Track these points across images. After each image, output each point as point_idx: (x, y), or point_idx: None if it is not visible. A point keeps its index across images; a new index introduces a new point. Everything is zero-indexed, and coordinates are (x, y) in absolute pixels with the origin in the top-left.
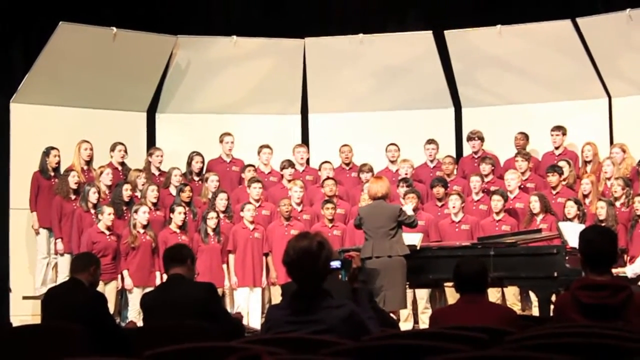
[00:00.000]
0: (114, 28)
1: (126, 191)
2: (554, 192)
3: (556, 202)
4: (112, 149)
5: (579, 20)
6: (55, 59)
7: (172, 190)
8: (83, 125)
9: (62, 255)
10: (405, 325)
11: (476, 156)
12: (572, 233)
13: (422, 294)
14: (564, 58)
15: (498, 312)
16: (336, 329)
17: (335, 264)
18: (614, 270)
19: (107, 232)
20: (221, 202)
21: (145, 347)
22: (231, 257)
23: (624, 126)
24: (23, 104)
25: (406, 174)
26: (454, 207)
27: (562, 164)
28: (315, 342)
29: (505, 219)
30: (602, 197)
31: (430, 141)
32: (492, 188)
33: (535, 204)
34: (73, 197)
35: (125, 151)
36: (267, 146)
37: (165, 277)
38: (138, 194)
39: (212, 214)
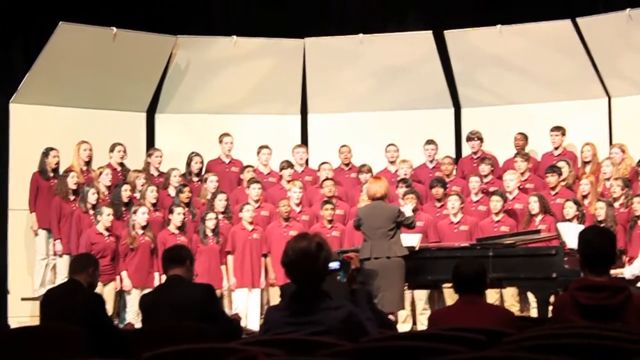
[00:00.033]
0: (114, 28)
1: (125, 192)
2: (553, 192)
3: (555, 202)
4: (112, 149)
5: (578, 20)
6: (55, 59)
7: (171, 191)
8: (82, 125)
9: (60, 256)
10: (404, 326)
11: (475, 157)
12: (571, 234)
13: (421, 295)
14: (563, 58)
15: (496, 313)
16: (335, 330)
17: (334, 265)
18: (612, 272)
19: (106, 233)
20: (220, 202)
21: (143, 348)
22: (230, 258)
23: (623, 126)
24: (22, 104)
25: (405, 174)
26: (453, 207)
27: (561, 164)
28: (313, 343)
29: (504, 220)
30: (601, 197)
31: (430, 141)
32: (491, 189)
33: (534, 205)
34: (72, 197)
35: (125, 152)
36: (267, 147)
37: (164, 278)
38: (137, 194)
39: (211, 215)
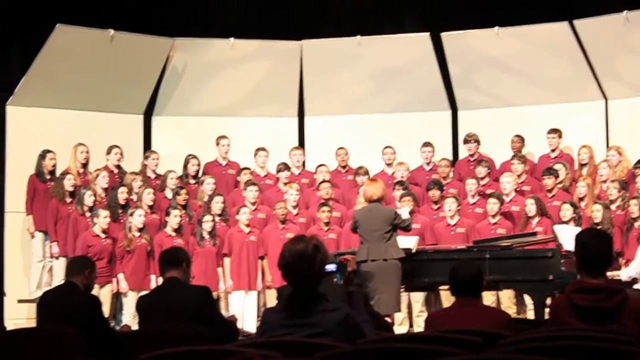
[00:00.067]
0: (111, 30)
1: (122, 194)
2: (549, 195)
3: (552, 205)
4: (108, 151)
5: (575, 22)
6: (52, 62)
7: (168, 194)
8: (79, 128)
9: (57, 258)
10: (401, 328)
11: (472, 159)
12: (567, 236)
13: (418, 298)
14: (560, 60)
15: (493, 316)
16: (331, 333)
17: (331, 267)
18: (608, 274)
19: (103, 236)
20: (217, 205)
21: (140, 351)
22: (226, 260)
23: (620, 128)
24: (19, 106)
25: (402, 177)
26: (449, 210)
27: (558, 166)
28: (310, 346)
29: (501, 222)
30: (597, 200)
31: (427, 144)
32: (488, 191)
33: (531, 207)
34: (69, 200)
35: (122, 154)
36: (263, 149)
37: (160, 280)
38: (134, 197)
39: (208, 217)
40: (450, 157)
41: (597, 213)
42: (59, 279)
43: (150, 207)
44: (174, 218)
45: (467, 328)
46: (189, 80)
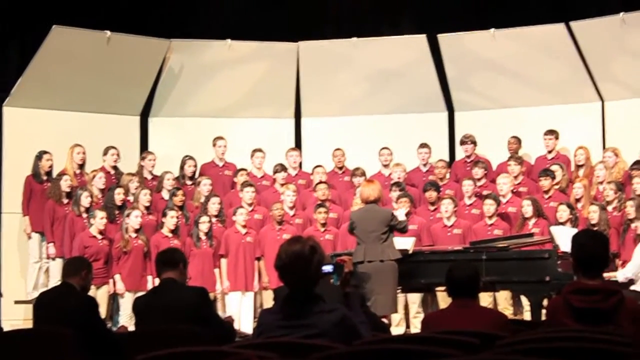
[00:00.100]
0: (108, 32)
1: (119, 195)
2: (546, 196)
3: (548, 206)
4: (105, 153)
5: (572, 23)
6: (48, 63)
7: (165, 195)
8: (76, 129)
9: (53, 259)
10: (397, 329)
11: (469, 160)
12: (564, 237)
13: (414, 299)
14: (557, 62)
15: (490, 317)
16: (328, 334)
17: (327, 268)
18: (604, 275)
19: (99, 237)
20: (213, 206)
21: (136, 352)
22: (223, 261)
23: (616, 130)
24: (16, 107)
25: (399, 178)
26: (446, 211)
27: (554, 168)
28: (307, 347)
29: (498, 223)
30: (594, 201)
31: (423, 145)
32: (485, 192)
33: (527, 208)
34: (65, 201)
35: (118, 155)
36: (260, 150)
37: (157, 281)
38: (130, 198)
39: (205, 218)
40: (447, 159)
41: (593, 214)
42: (55, 280)
43: (147, 208)
44: (171, 219)
45: (464, 329)
46: (186, 82)
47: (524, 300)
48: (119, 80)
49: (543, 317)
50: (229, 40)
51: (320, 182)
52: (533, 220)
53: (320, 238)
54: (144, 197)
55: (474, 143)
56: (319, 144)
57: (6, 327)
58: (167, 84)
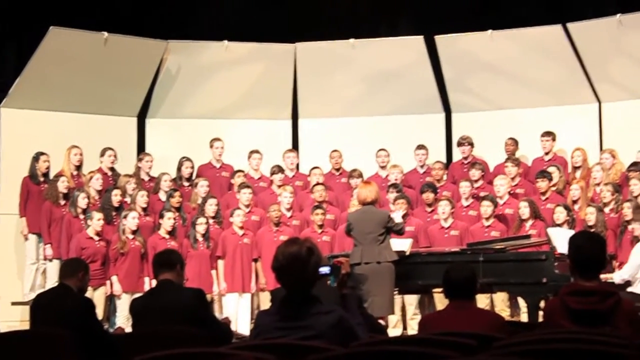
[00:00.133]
0: (105, 33)
1: (116, 197)
2: (543, 197)
3: (545, 207)
4: (102, 154)
5: (569, 25)
6: (45, 64)
7: (162, 196)
8: (73, 130)
9: (51, 260)
10: (394, 331)
11: (466, 162)
12: (561, 239)
13: (411, 300)
14: (554, 63)
15: (487, 318)
16: (325, 335)
17: (325, 269)
18: (601, 276)
19: (96, 238)
20: (211, 207)
21: (133, 353)
22: (220, 262)
23: (613, 131)
24: (13, 108)
25: (396, 179)
26: (443, 212)
27: (551, 169)
28: (304, 348)
29: (495, 225)
30: (591, 202)
31: (420, 147)
32: (482, 194)
33: (524, 210)
34: (62, 202)
35: (115, 156)
36: (257, 151)
37: (154, 282)
38: (128, 199)
39: (202, 220)
40: (444, 160)
41: (590, 216)
42: (52, 281)
43: (144, 209)
44: (168, 220)
45: (461, 331)
46: (183, 83)
47: (521, 302)
48: (116, 82)
49: (540, 319)
50: (226, 42)
51: (318, 184)
52: (530, 222)
53: (318, 239)
54: (141, 199)
55: (471, 144)
56: (316, 146)
57: (3, 329)
58: (165, 85)
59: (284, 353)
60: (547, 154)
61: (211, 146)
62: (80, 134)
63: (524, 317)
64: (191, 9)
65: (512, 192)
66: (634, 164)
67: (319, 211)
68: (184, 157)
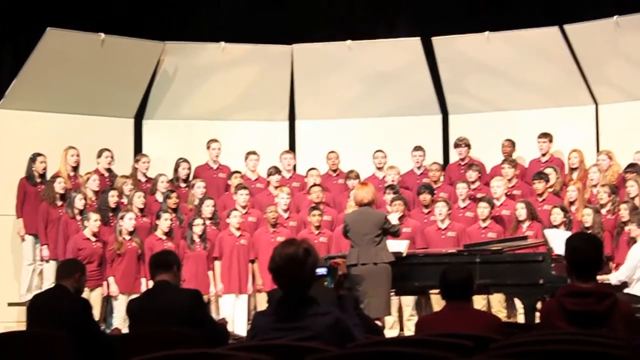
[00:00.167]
0: (102, 34)
1: (112, 197)
2: (540, 199)
3: (542, 209)
4: (99, 155)
5: (566, 27)
6: (42, 65)
7: (159, 197)
8: (70, 131)
9: (47, 261)
10: (391, 332)
11: (463, 163)
12: (558, 240)
13: (408, 301)
14: (551, 65)
15: (484, 319)
16: (322, 336)
17: (321, 270)
18: (598, 278)
19: (93, 239)
20: (207, 208)
21: (130, 354)
22: (217, 263)
23: (610, 133)
24: (10, 109)
25: (393, 180)
26: (440, 214)
27: (548, 171)
28: (300, 349)
29: (492, 226)
30: (588, 204)
31: (417, 148)
32: (479, 195)
33: (521, 211)
34: (59, 203)
35: (112, 157)
36: (254, 152)
37: (151, 283)
38: (124, 200)
39: (199, 221)
40: (441, 161)
41: (587, 217)
42: (49, 282)
43: (141, 210)
44: (165, 221)
45: (458, 332)
46: (180, 84)
47: (518, 303)
48: (113, 83)
49: (537, 320)
50: (223, 43)
51: (314, 185)
52: (527, 223)
53: (314, 240)
54: (138, 200)
55: (468, 146)
56: (313, 147)
57: None
58: (161, 87)
59: (280, 354)
60: (544, 155)
61: (208, 147)
62: (77, 135)
63: (520, 319)
64: (188, 11)
65: (509, 193)
66: (631, 165)
67: (316, 212)
68: (181, 158)
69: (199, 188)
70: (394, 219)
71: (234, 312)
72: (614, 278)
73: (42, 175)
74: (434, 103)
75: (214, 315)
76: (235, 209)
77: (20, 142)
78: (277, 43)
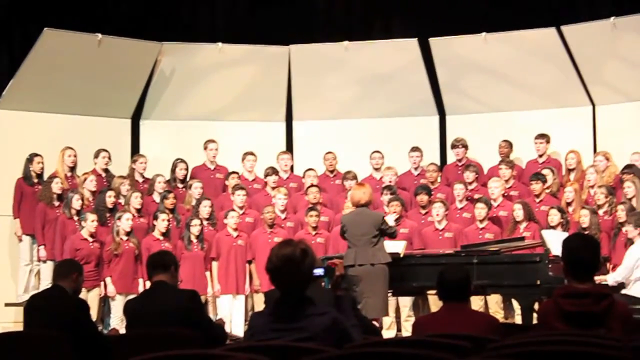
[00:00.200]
0: (99, 34)
1: (110, 198)
2: (537, 200)
3: (539, 210)
4: (96, 155)
5: (563, 28)
6: (39, 65)
7: (156, 197)
8: (67, 131)
9: (44, 262)
10: (389, 332)
11: (460, 164)
12: (555, 241)
13: (406, 302)
14: (548, 66)
15: (481, 320)
16: (319, 337)
17: (319, 271)
18: (595, 278)
19: (90, 239)
20: (205, 209)
21: (127, 355)
22: (214, 264)
23: (607, 134)
24: (7, 110)
25: (390, 181)
26: (437, 214)
27: (545, 172)
28: (298, 350)
29: (489, 227)
30: (585, 205)
31: (415, 149)
32: (476, 196)
33: (518, 212)
34: (56, 203)
35: (109, 158)
36: (251, 153)
37: (148, 284)
38: (122, 200)
39: (196, 221)
40: (438, 162)
41: (584, 218)
42: (46, 282)
43: (138, 210)
44: (162, 222)
45: (455, 332)
46: (177, 85)
47: (515, 304)
48: (110, 83)
49: (534, 321)
50: (220, 44)
51: (312, 186)
52: (524, 224)
53: (312, 241)
54: (135, 200)
55: (465, 147)
56: (310, 148)
57: None
58: (159, 87)
59: (278, 354)
60: (541, 156)
61: (205, 148)
62: (74, 136)
63: (517, 319)
64: (185, 11)
65: (506, 194)
66: (628, 166)
67: (313, 213)
68: (178, 159)
69: (196, 189)
70: (390, 220)
71: (231, 313)
72: (611, 279)
73: (40, 176)
74: (431, 104)
75: (211, 315)
76: (233, 210)
77: (17, 142)
78: (274, 44)
